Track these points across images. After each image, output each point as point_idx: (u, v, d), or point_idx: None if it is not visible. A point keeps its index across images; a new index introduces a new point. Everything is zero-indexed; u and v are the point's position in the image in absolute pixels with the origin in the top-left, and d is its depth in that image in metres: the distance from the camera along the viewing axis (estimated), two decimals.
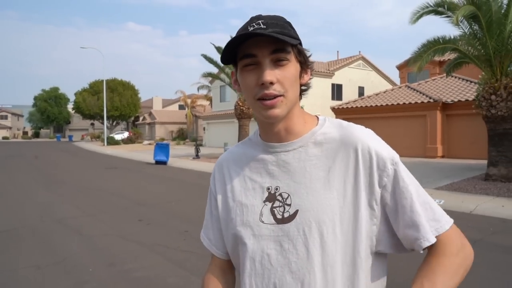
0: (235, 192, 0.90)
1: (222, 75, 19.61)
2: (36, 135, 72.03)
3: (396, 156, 0.83)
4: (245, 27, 0.79)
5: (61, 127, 70.55)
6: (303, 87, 0.86)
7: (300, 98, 0.87)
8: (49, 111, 63.06)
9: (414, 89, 18.08)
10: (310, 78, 0.87)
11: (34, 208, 7.44)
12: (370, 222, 0.81)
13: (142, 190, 9.69)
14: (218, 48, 17.87)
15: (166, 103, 53.96)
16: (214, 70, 20.86)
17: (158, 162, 16.46)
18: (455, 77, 17.69)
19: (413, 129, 16.42)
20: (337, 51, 41.46)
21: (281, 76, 0.78)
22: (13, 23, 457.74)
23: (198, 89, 32.35)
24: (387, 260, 0.90)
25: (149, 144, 34.37)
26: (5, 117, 74.84)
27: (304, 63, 0.83)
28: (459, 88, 17.09)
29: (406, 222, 0.80)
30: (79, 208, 7.40)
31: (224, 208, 0.93)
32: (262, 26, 0.77)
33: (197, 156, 18.62)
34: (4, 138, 62.97)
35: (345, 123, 0.88)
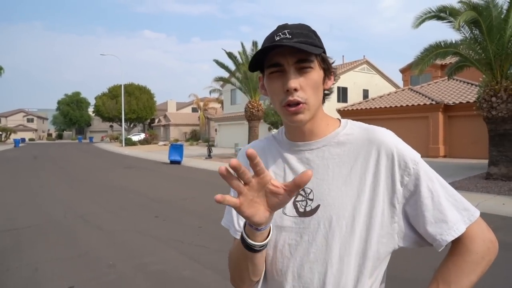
0: None
1: (233, 79, 19.65)
2: (60, 136, 73.12)
3: (417, 156, 0.82)
4: (271, 36, 0.80)
5: (82, 129, 71.50)
6: (326, 92, 0.87)
7: (323, 101, 0.87)
8: (71, 114, 63.97)
9: (417, 92, 17.87)
10: (334, 83, 0.88)
11: (58, 205, 7.56)
12: (391, 221, 0.81)
13: (158, 188, 9.77)
14: (229, 54, 17.90)
15: (180, 106, 54.27)
16: (225, 74, 20.92)
17: (172, 162, 16.57)
18: (457, 80, 17.44)
19: (416, 130, 16.23)
20: (342, 56, 41.11)
21: (304, 83, 0.79)
22: (39, 32, 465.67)
23: (210, 92, 32.54)
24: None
25: (164, 145, 34.61)
26: (31, 120, 76.13)
27: (328, 69, 0.84)
28: (460, 90, 16.84)
29: (429, 219, 0.79)
30: (100, 205, 7.50)
31: None
32: (287, 36, 0.78)
33: (209, 156, 18.71)
34: (30, 139, 64.01)
35: (366, 125, 0.89)
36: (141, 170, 14.65)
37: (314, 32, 0.83)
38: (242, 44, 17.69)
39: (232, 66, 18.83)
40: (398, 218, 0.81)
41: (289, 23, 0.83)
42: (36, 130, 74.67)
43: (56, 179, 11.89)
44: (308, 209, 0.83)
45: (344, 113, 19.43)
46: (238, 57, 17.81)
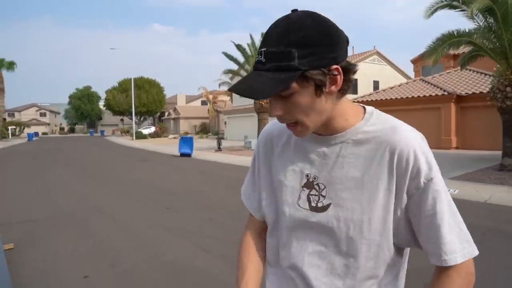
0: (278, 170, 0.91)
1: (242, 72, 19.62)
2: (72, 130, 74.25)
3: (433, 171, 0.77)
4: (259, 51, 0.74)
5: (94, 123, 72.43)
6: (343, 87, 0.76)
7: (344, 94, 0.79)
8: (83, 108, 64.85)
9: (429, 82, 17.60)
10: (351, 80, 0.78)
11: (72, 197, 7.72)
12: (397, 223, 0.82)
13: (169, 180, 9.88)
14: (238, 46, 17.85)
15: (190, 99, 54.47)
16: (235, 67, 20.89)
17: (183, 155, 16.71)
18: (469, 70, 17.10)
19: (428, 121, 16.01)
20: (352, 47, 40.56)
21: (287, 108, 0.75)
22: (49, 27, 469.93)
23: (219, 85, 32.41)
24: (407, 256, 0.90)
25: (174, 138, 34.87)
26: (44, 115, 77.39)
27: (323, 82, 0.72)
28: (473, 80, 16.52)
29: (428, 238, 0.78)
30: (113, 197, 7.63)
31: (265, 181, 0.95)
32: (262, 59, 0.72)
33: (219, 149, 18.81)
34: (43, 133, 65.22)
35: (392, 120, 0.83)
36: (152, 163, 14.82)
37: (297, 43, 0.69)
38: (251, 36, 17.65)
39: (241, 59, 18.78)
40: (400, 222, 0.81)
41: (281, 18, 0.74)
42: (48, 124, 75.90)
43: (70, 172, 12.11)
44: (319, 205, 0.83)
45: None
46: (247, 49, 17.75)
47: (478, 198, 6.55)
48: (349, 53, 23.63)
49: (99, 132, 60.60)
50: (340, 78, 0.74)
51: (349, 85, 0.78)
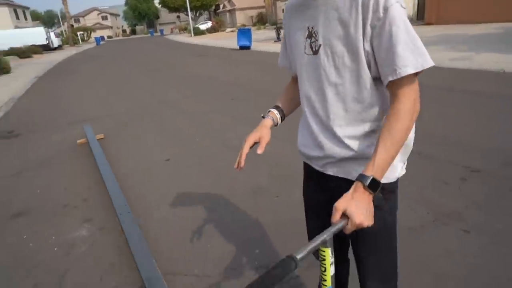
0: (292, 30, 1.12)
1: None
2: (133, 32, 75.89)
3: (390, 1, 0.88)
4: None
5: (152, 22, 72.69)
6: None
7: None
8: (139, 8, 64.64)
9: None
10: None
11: (143, 92, 8.28)
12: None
13: (231, 73, 9.97)
14: None
15: None
16: None
17: (242, 48, 16.40)
18: None
19: None
20: None
21: None
22: None
23: None
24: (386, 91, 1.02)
25: (232, 31, 33.96)
26: (106, 18, 79.14)
27: None
28: None
29: (385, 59, 0.92)
30: (179, 91, 8.03)
31: (289, 41, 1.18)
32: None
33: (278, 39, 18.00)
34: (108, 37, 67.75)
35: None
36: (212, 57, 14.89)
37: None
38: None
39: None
40: (368, 52, 0.95)
41: None
42: (111, 27, 78.07)
43: (138, 71, 12.76)
44: (315, 48, 1.02)
45: None
46: None
47: None
48: None
49: (159, 32, 61.14)
50: None
51: None
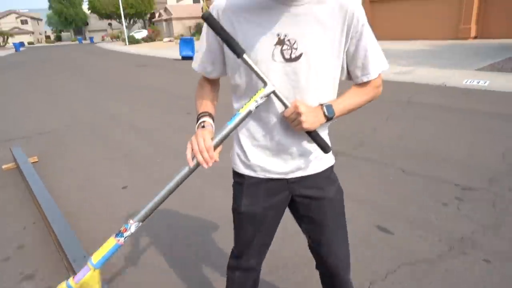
0: (247, 35, 1.03)
1: None
2: (58, 38, 70.09)
3: (365, 18, 1.05)
4: None
5: (81, 29, 67.93)
6: None
7: None
8: (66, 13, 60.02)
9: None
10: None
11: (83, 105, 7.33)
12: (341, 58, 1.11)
13: (180, 85, 9.35)
14: None
15: None
16: None
17: (184, 58, 15.78)
18: None
19: (445, 9, 14.68)
20: None
21: None
22: None
23: None
24: None
25: (170, 41, 32.95)
26: (25, 22, 72.00)
27: None
28: None
29: (358, 65, 1.10)
30: (126, 104, 7.23)
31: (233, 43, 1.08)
32: None
33: None
34: (29, 43, 61.60)
35: None
36: (155, 67, 14.04)
37: None
38: None
39: None
40: (343, 58, 1.10)
41: None
42: (32, 33, 71.30)
43: (73, 81, 11.47)
44: (293, 56, 1.02)
45: None
46: None
47: (511, 89, 6.21)
48: None
49: (88, 39, 57.28)
50: None
51: None
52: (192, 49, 15.82)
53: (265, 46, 1.02)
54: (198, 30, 40.89)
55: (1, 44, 47.22)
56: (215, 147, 1.05)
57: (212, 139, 1.06)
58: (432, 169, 3.33)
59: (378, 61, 1.11)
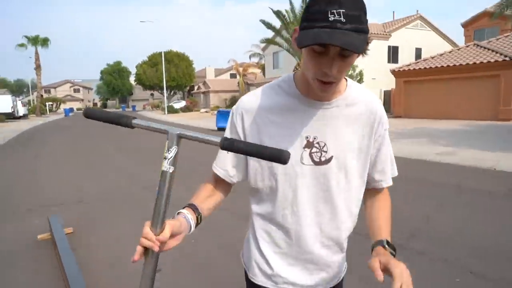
0: (274, 138, 1.00)
1: (279, 40, 18.56)
2: (104, 106, 75.88)
3: (387, 124, 1.07)
4: (324, 9, 0.78)
5: (125, 98, 73.58)
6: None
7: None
8: (114, 84, 65.73)
9: (484, 47, 16.00)
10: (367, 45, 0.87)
11: (121, 175, 7.44)
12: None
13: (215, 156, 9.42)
14: (276, 13, 16.68)
15: (218, 72, 53.75)
16: (269, 35, 19.89)
17: (220, 129, 16.29)
18: None
19: (484, 90, 14.65)
20: (393, 12, 38.02)
21: (342, 67, 0.85)
22: (79, 6, 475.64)
23: (250, 57, 31.53)
24: None
25: (206, 112, 34.65)
26: (78, 91, 79.37)
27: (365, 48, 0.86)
28: None
29: (379, 169, 1.09)
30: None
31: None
32: (342, 19, 0.77)
33: None
34: (78, 109, 66.97)
35: (362, 87, 1.06)
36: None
37: (364, 10, 0.82)
38: (290, 1, 16.49)
39: (277, 25, 17.73)
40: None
41: None
42: (82, 100, 77.95)
43: (113, 148, 11.95)
44: (323, 159, 1.00)
45: (399, 74, 17.99)
46: (286, 16, 16.64)
47: None
48: (389, 18, 22.15)
49: (131, 107, 61.50)
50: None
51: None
52: None
53: (294, 149, 0.98)
54: (233, 102, 43.03)
55: (54, 109, 51.58)
56: (158, 228, 0.85)
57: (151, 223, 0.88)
58: (505, 270, 2.88)
59: (394, 166, 1.12)
